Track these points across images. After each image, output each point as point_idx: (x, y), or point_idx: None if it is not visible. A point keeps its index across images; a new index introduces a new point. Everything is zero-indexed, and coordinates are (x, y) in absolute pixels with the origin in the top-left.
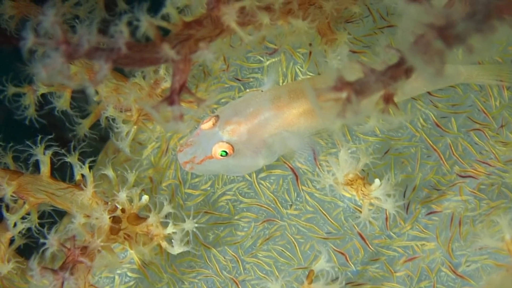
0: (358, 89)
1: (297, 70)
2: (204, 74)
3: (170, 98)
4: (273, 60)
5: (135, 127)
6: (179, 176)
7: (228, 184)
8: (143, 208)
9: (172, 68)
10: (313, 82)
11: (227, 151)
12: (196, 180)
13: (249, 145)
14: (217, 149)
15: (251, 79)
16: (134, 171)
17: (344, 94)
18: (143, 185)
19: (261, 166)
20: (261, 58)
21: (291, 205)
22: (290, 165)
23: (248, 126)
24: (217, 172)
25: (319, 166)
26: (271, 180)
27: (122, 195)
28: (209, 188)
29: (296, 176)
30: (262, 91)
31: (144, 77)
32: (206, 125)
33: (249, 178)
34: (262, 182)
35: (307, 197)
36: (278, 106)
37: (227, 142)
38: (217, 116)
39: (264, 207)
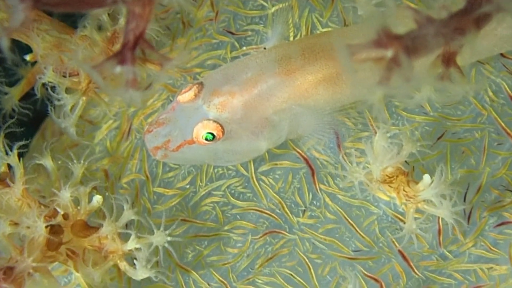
0: (409, 46)
1: (315, 20)
2: (183, 25)
3: (121, 55)
4: (281, 5)
5: (83, 98)
6: (145, 169)
7: (215, 180)
8: (94, 213)
9: (125, 12)
10: (342, 35)
11: (215, 133)
12: (170, 174)
13: (246, 124)
14: (201, 130)
15: (249, 32)
16: (82, 161)
17: (389, 52)
18: (95, 182)
19: (262, 152)
20: (264, 3)
21: (304, 211)
22: (303, 154)
23: (244, 98)
24: (201, 161)
25: (344, 156)
26: (276, 176)
27: (65, 195)
28: (188, 186)
29: (312, 169)
30: (264, 49)
31: (98, 28)
32: (185, 96)
33: (245, 172)
34: (264, 178)
35: (327, 199)
36: (287, 70)
37: (214, 121)
38: (201, 84)
39: (266, 213)
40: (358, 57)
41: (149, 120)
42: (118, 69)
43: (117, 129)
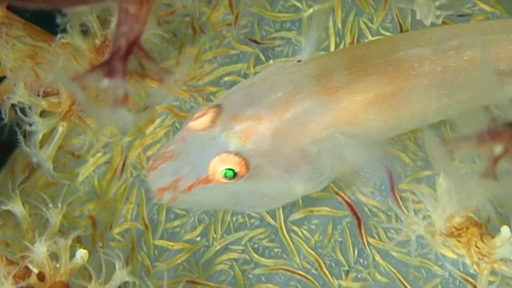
0: None
1: (363, 26)
2: (194, 31)
3: (109, 65)
4: (319, 6)
5: (64, 124)
6: (144, 216)
7: (233, 231)
8: (77, 273)
9: (117, 11)
10: (405, 40)
11: (236, 170)
12: (176, 223)
13: (277, 158)
14: (219, 166)
15: (278, 41)
16: (60, 206)
17: (497, 148)
18: (78, 232)
19: (297, 197)
20: (298, 3)
21: (347, 272)
22: (346, 198)
23: (274, 124)
24: (218, 206)
25: (399, 202)
26: (313, 226)
27: (40, 249)
28: (198, 239)
29: (358, 219)
30: (299, 62)
31: (83, 34)
32: (198, 122)
33: (272, 221)
34: (296, 228)
35: (377, 257)
36: (328, 89)
37: (236, 153)
38: (218, 107)
39: (299, 274)
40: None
41: (149, 153)
42: (106, 82)
43: (108, 164)
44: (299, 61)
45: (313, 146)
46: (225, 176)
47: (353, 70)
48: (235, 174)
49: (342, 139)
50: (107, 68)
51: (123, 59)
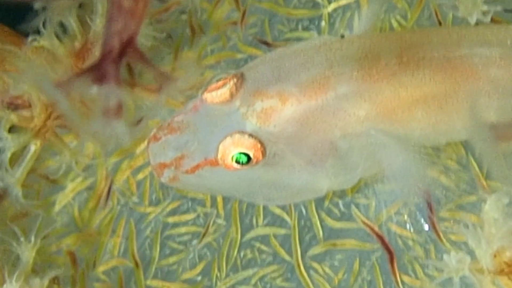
0: None
1: (394, 24)
2: (192, 31)
3: (99, 69)
4: (344, 1)
5: (37, 143)
6: (134, 251)
7: (241, 268)
8: None
9: (102, 9)
10: (470, 39)
11: (251, 154)
12: (173, 259)
13: (300, 147)
14: (230, 148)
15: (294, 44)
16: (33, 240)
17: None
18: (56, 270)
19: (322, 193)
20: None
21: None
22: (375, 228)
23: (301, 108)
24: (226, 193)
25: (439, 233)
26: (336, 263)
27: None
28: (199, 278)
29: (390, 253)
30: (342, 37)
31: (60, 35)
32: (216, 94)
33: (286, 257)
34: (316, 265)
35: None
36: (371, 75)
37: (251, 135)
38: (241, 78)
39: None
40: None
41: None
42: (95, 89)
43: (90, 191)
44: (342, 36)
45: (343, 140)
46: (237, 161)
47: (404, 59)
48: (249, 160)
49: (378, 137)
50: (97, 72)
51: (116, 62)
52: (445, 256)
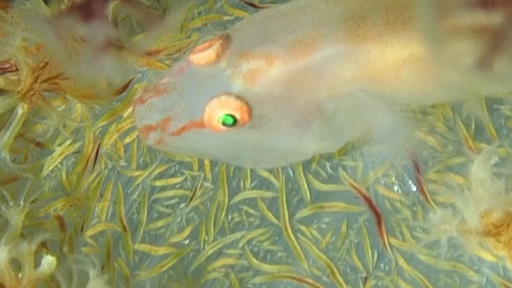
0: None
1: None
2: None
3: (87, 7)
4: None
5: (25, 106)
6: (121, 215)
7: (229, 231)
8: (43, 283)
9: None
10: None
11: (237, 116)
12: (160, 223)
13: (286, 109)
14: (216, 110)
15: (280, 4)
16: (22, 203)
17: (498, 17)
18: (44, 235)
19: (308, 156)
20: None
21: (365, 279)
22: (363, 191)
23: (288, 68)
24: (212, 156)
25: (426, 195)
26: (323, 225)
27: (0, 255)
28: (187, 242)
29: (378, 215)
30: None
31: None
32: (202, 55)
33: (274, 220)
34: (304, 228)
35: (401, 261)
36: (357, 36)
37: (238, 96)
38: (227, 39)
39: (308, 282)
40: (450, 21)
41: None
42: (84, 28)
43: (78, 155)
44: None
45: (330, 101)
46: (224, 123)
47: (391, 20)
48: (235, 121)
49: (365, 98)
50: (85, 10)
51: (104, 0)
52: (430, 215)
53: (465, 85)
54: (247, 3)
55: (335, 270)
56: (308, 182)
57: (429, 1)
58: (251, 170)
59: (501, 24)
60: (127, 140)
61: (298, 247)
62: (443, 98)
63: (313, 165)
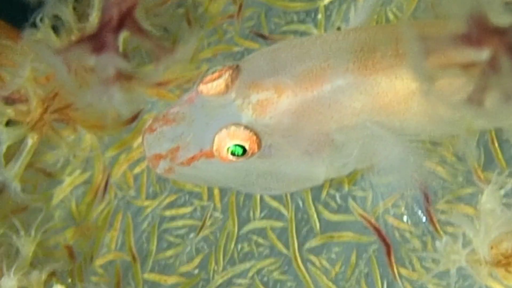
0: None
1: (390, 16)
2: (189, 24)
3: (98, 39)
4: None
5: (34, 136)
6: (131, 245)
7: (238, 261)
8: None
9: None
10: (424, 27)
11: (246, 146)
12: (170, 253)
13: (296, 139)
14: (225, 140)
15: (290, 36)
16: (33, 233)
17: (485, 53)
18: (53, 264)
19: (319, 182)
20: None
21: None
22: (373, 221)
23: (297, 100)
24: (222, 184)
25: (436, 225)
26: (333, 255)
27: (8, 284)
28: (196, 272)
29: (388, 246)
30: (338, 29)
31: (57, 28)
32: (211, 86)
33: (283, 250)
34: (313, 258)
35: None
36: (366, 67)
37: (247, 127)
38: (237, 70)
39: None
40: (438, 58)
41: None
42: (93, 59)
43: (87, 185)
44: (338, 28)
45: (339, 132)
46: (233, 153)
47: (401, 51)
48: (244, 151)
49: (374, 129)
50: (95, 42)
51: (115, 32)
52: (440, 245)
53: (456, 121)
54: (257, 34)
55: None
56: (318, 212)
57: (417, 38)
58: (261, 201)
59: (488, 60)
60: (137, 170)
61: (307, 277)
62: (452, 132)
63: (323, 195)
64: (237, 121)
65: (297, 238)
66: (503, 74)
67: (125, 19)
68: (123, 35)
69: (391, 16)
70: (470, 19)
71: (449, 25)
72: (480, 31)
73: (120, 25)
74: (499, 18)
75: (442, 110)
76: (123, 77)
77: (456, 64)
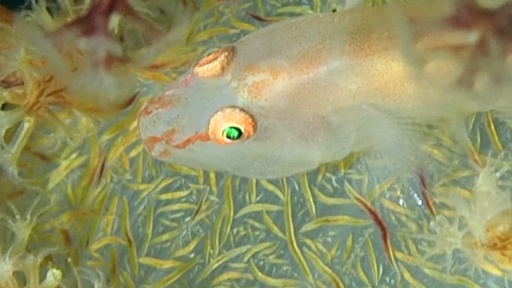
0: (504, 27)
1: None
2: (185, 6)
3: (89, 22)
4: None
5: (30, 120)
6: (127, 229)
7: (234, 245)
8: None
9: None
10: (414, 9)
11: (242, 129)
12: (166, 237)
13: (292, 121)
14: (221, 123)
15: (286, 18)
16: (29, 217)
17: (473, 36)
18: (49, 248)
19: (314, 166)
20: None
21: None
22: (368, 204)
23: (293, 82)
24: (218, 168)
25: (432, 208)
26: (329, 239)
27: (4, 268)
28: (192, 256)
29: (383, 229)
30: (334, 11)
31: (52, 10)
32: (207, 67)
33: (279, 233)
34: (309, 242)
35: (407, 275)
36: (362, 49)
37: (242, 109)
38: (233, 51)
39: None
40: (427, 40)
41: (132, 154)
42: (84, 42)
43: (83, 168)
44: (334, 10)
45: (335, 115)
46: (228, 136)
47: (397, 33)
48: (240, 134)
49: (370, 111)
50: (86, 25)
51: (105, 14)
52: (437, 229)
53: (447, 103)
54: (253, 16)
55: (341, 284)
56: (314, 196)
57: (405, 22)
58: (257, 184)
59: (477, 43)
60: (133, 153)
61: (303, 261)
62: (448, 114)
63: (319, 179)
64: (232, 103)
65: (293, 221)
66: (492, 56)
67: (116, 2)
68: (117, 17)
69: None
70: (459, 1)
71: (439, 8)
72: (469, 14)
73: (110, 8)
74: (488, 1)
75: (433, 92)
76: (116, 60)
77: (445, 47)
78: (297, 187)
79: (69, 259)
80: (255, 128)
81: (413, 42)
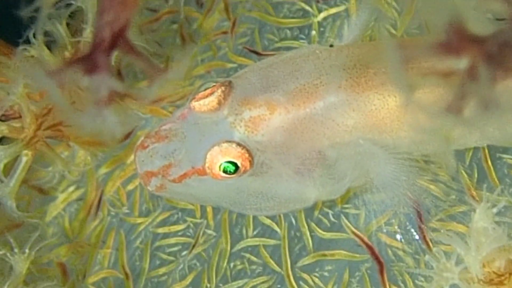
0: (494, 54)
1: (383, 32)
2: (183, 41)
3: (90, 60)
4: (334, 10)
5: (28, 153)
6: (124, 262)
7: (230, 279)
8: None
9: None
10: (408, 41)
11: (238, 163)
12: (162, 270)
13: (288, 157)
14: (218, 157)
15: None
16: (27, 251)
17: (463, 62)
18: (47, 283)
19: (309, 203)
20: (307, 7)
21: None
22: (365, 239)
23: (289, 117)
24: (214, 203)
25: (429, 243)
26: (325, 273)
27: None
28: None
29: (380, 264)
30: (331, 46)
31: (50, 44)
32: (204, 102)
33: (276, 268)
34: (306, 276)
35: None
36: (359, 85)
37: (239, 144)
38: (229, 86)
39: None
40: (417, 67)
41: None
42: (86, 80)
43: (81, 202)
44: (331, 45)
45: (331, 149)
46: (225, 171)
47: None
48: (236, 169)
49: (367, 146)
50: (87, 63)
51: (107, 52)
52: (433, 263)
53: (436, 131)
54: (250, 50)
55: None
56: (311, 230)
57: (395, 48)
58: (254, 218)
59: (467, 69)
60: (130, 187)
61: None
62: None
63: (316, 213)
64: (229, 138)
65: (290, 256)
66: (481, 83)
67: (118, 40)
68: (115, 53)
69: (385, 33)
70: (449, 28)
71: (430, 36)
72: (458, 40)
73: (112, 46)
74: (478, 27)
75: (422, 118)
76: (116, 97)
77: (435, 73)
78: (294, 221)
79: None
80: (251, 163)
81: (403, 68)
